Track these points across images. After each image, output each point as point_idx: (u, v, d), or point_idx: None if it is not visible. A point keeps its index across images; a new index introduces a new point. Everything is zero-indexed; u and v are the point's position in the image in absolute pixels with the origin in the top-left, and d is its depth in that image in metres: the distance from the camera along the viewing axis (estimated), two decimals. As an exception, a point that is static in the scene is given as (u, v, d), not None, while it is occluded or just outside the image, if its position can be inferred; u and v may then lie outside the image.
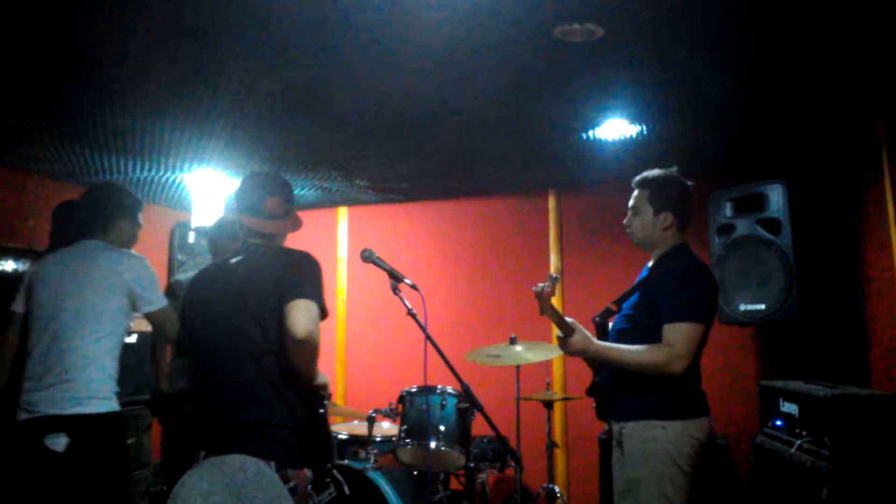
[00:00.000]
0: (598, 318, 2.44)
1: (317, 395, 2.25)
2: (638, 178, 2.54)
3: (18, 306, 2.68)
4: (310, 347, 2.01)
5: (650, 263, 2.56)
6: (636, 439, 2.32)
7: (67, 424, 2.45)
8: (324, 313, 2.09)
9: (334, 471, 3.20)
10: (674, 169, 2.54)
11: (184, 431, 2.42)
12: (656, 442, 2.29)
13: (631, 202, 2.53)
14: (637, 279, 2.58)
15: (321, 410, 2.29)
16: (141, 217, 2.91)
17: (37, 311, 2.62)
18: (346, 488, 3.21)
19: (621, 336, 2.41)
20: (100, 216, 2.76)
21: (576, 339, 2.29)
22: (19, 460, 2.48)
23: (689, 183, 2.52)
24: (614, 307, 2.37)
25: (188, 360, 2.31)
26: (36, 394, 2.49)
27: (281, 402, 2.06)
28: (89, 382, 2.52)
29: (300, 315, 1.99)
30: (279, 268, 2.14)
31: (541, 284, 2.21)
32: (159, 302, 2.72)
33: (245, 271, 2.19)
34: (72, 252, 2.70)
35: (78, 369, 2.51)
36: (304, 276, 2.11)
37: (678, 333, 2.26)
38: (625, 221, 2.55)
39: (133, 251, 2.81)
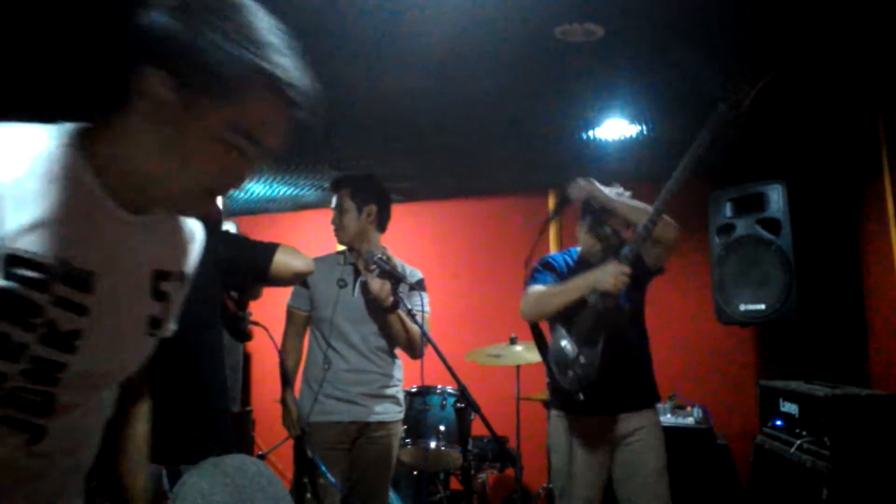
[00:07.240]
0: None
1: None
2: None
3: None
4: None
5: (578, 254, 2.71)
6: (652, 425, 2.43)
7: None
8: None
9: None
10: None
11: None
12: (659, 422, 2.47)
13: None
14: (564, 264, 2.75)
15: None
16: None
17: None
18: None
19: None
20: None
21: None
22: None
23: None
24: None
25: None
26: None
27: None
28: None
29: (285, 258, 2.06)
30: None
31: None
32: None
33: None
34: None
35: None
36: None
37: None
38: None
39: None
